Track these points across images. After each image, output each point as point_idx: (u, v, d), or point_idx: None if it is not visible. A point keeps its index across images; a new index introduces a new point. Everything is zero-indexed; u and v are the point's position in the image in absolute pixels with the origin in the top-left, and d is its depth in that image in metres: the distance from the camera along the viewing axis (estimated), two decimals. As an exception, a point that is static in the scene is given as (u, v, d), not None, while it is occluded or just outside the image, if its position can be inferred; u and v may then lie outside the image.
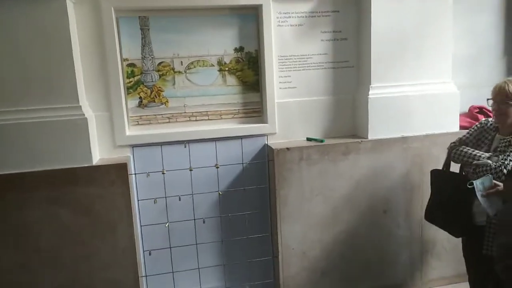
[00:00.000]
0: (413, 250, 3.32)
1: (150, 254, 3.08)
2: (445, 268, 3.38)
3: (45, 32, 2.58)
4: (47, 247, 2.73)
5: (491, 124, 2.56)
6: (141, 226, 3.07)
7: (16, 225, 2.68)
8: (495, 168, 2.32)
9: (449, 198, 2.54)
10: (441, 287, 3.39)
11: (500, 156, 2.35)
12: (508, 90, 2.33)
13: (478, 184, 2.25)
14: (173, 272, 3.15)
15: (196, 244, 3.19)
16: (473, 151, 2.48)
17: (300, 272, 3.17)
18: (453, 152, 2.58)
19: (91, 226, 2.77)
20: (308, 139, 3.21)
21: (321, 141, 3.14)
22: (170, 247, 3.13)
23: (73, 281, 2.81)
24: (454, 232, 2.66)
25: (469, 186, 2.30)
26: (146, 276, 3.11)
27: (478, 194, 2.25)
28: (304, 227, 3.12)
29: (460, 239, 2.72)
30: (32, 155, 2.65)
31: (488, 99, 2.47)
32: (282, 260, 3.13)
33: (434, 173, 2.74)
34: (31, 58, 2.59)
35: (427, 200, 2.79)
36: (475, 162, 2.40)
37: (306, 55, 3.18)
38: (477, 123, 2.67)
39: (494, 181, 2.27)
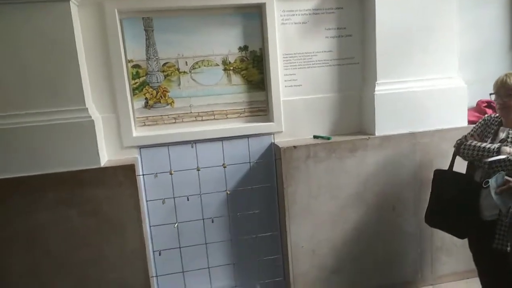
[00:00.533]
0: (423, 246, 3.29)
1: (160, 254, 3.09)
2: (456, 263, 3.34)
3: (49, 35, 2.59)
4: (56, 250, 2.75)
5: (494, 120, 2.56)
6: (150, 226, 3.08)
7: (25, 228, 2.69)
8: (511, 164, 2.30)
9: (454, 198, 2.53)
10: (453, 283, 3.37)
11: None
12: (510, 82, 2.35)
13: (492, 182, 2.25)
14: (183, 272, 3.16)
15: (206, 243, 3.19)
16: (481, 144, 2.45)
17: (310, 270, 3.16)
18: (462, 148, 2.55)
19: (99, 227, 2.78)
20: (315, 137, 3.20)
21: (328, 138, 3.12)
22: (180, 247, 3.14)
23: (83, 283, 2.82)
24: (460, 233, 2.63)
25: (485, 186, 2.32)
26: (156, 276, 3.12)
27: (492, 192, 2.25)
28: (313, 225, 3.11)
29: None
30: (39, 158, 2.66)
31: (491, 94, 2.48)
32: (291, 258, 3.12)
33: (438, 173, 2.74)
34: (36, 61, 2.60)
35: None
36: (488, 160, 2.38)
37: (311, 52, 3.17)
38: (480, 120, 2.66)
39: (507, 177, 2.25)
